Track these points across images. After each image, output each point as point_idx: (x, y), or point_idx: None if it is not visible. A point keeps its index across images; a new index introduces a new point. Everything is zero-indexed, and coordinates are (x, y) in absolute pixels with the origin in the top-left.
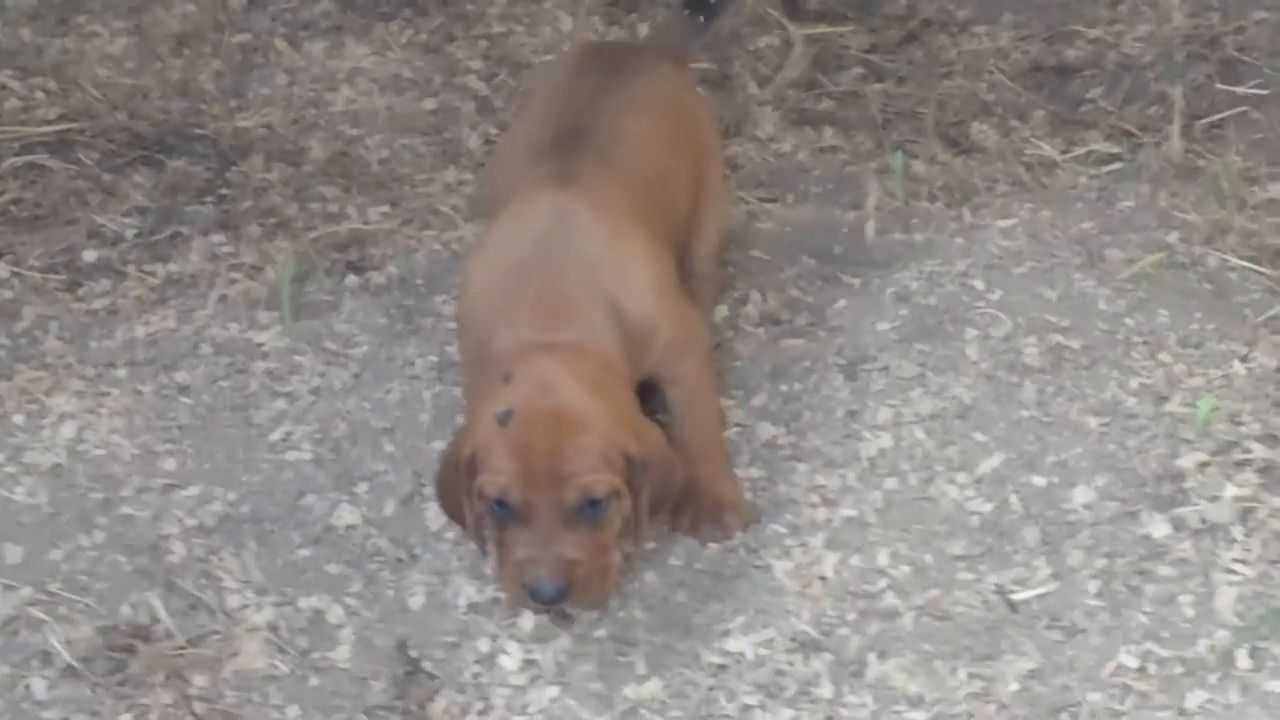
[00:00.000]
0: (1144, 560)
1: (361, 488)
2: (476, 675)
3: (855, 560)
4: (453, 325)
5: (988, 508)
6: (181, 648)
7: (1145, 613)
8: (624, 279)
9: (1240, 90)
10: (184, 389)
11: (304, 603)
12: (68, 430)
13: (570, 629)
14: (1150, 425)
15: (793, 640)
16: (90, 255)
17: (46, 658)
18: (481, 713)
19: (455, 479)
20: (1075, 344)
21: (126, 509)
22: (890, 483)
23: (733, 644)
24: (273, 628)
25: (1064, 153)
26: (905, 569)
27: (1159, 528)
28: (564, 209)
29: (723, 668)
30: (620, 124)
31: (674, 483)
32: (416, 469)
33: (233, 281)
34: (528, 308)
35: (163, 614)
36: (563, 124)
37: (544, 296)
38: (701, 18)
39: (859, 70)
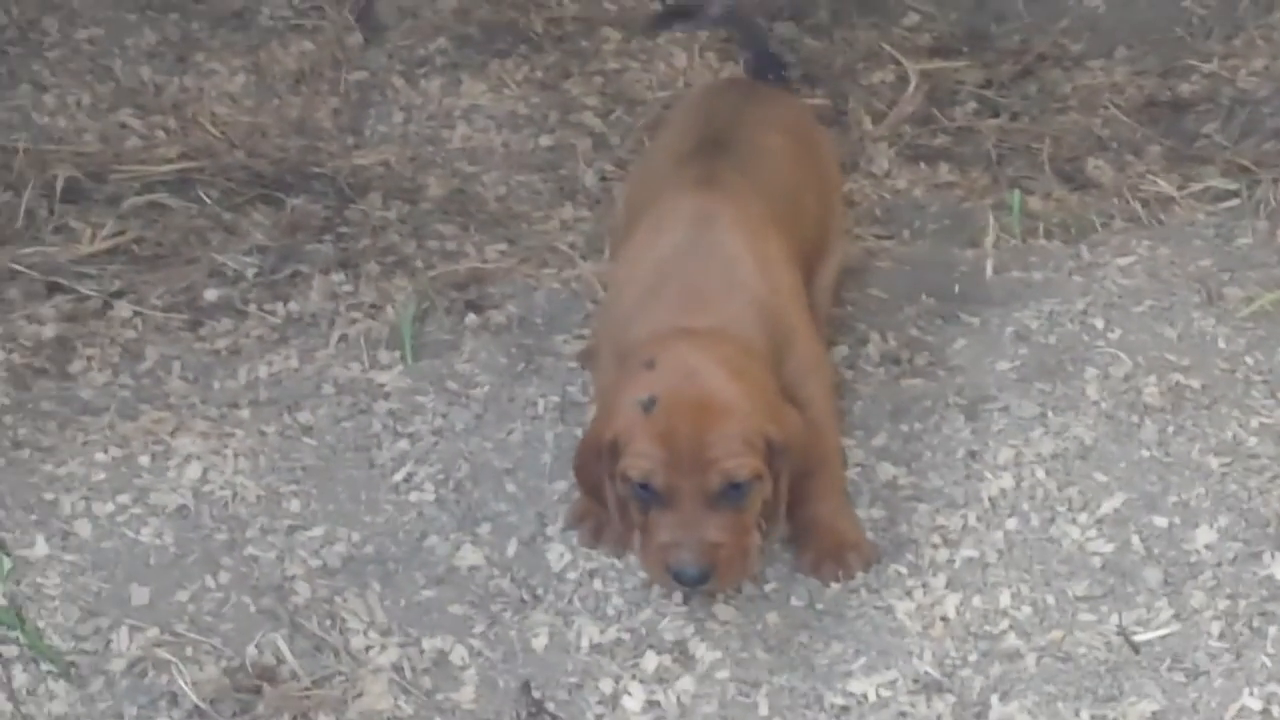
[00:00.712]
0: (1267, 601)
1: (484, 528)
2: (600, 716)
3: (977, 601)
4: (573, 365)
5: (1109, 548)
6: (307, 689)
7: (1269, 655)
8: (765, 278)
9: None
10: (307, 429)
11: (428, 643)
12: (193, 471)
13: (693, 669)
14: (1272, 465)
15: (915, 681)
16: (212, 294)
17: (174, 699)
18: None
19: (596, 462)
20: (1195, 383)
21: (252, 550)
22: (1011, 523)
23: (855, 685)
24: (397, 669)
25: (1180, 189)
26: (1027, 610)
27: None
28: (707, 210)
29: (845, 709)
30: (758, 138)
31: (812, 463)
32: (539, 509)
33: (353, 321)
34: (671, 297)
35: (288, 655)
36: (703, 135)
37: (687, 287)
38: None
39: (973, 105)
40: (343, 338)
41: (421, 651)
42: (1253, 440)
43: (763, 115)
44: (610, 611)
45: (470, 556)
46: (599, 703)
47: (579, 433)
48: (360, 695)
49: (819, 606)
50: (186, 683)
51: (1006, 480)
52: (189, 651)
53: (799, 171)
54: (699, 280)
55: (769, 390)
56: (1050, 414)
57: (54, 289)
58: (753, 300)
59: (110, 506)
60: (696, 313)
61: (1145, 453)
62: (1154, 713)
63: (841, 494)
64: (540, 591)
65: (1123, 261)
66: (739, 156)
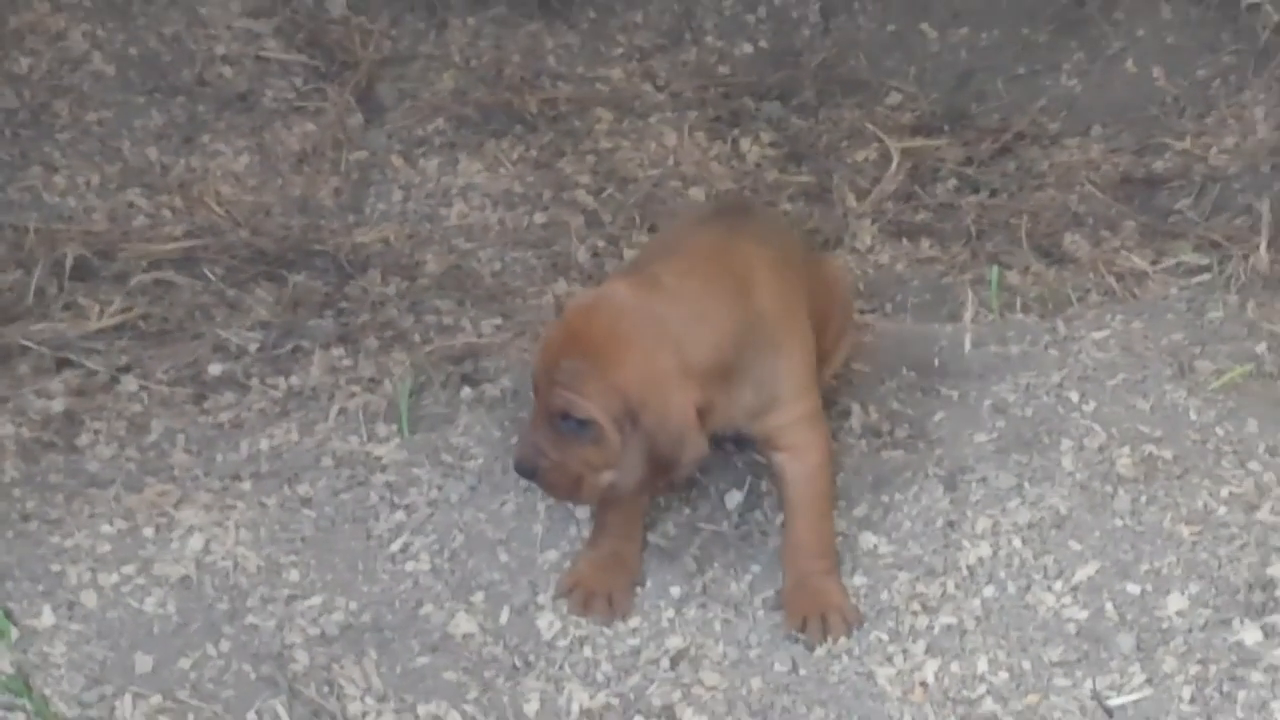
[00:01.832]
0: (1237, 667)
1: (478, 597)
2: None
3: (955, 666)
4: None
5: (1084, 615)
6: None
7: (1238, 719)
8: (769, 292)
9: None
10: (306, 501)
11: (423, 709)
12: (195, 543)
13: None
14: (1241, 534)
15: None
16: (215, 369)
17: None
18: None
19: None
20: (1167, 454)
21: (252, 619)
22: (989, 590)
23: None
24: None
25: (1154, 264)
26: (1004, 675)
27: (1251, 635)
28: (734, 237)
29: None
30: (773, 221)
31: (679, 456)
32: (531, 578)
33: (352, 395)
34: (676, 252)
35: None
36: (720, 204)
37: (694, 249)
38: None
39: (953, 182)
40: (342, 411)
41: (417, 718)
42: (1223, 509)
43: (772, 217)
44: (600, 678)
45: (464, 624)
46: None
47: (570, 505)
48: None
49: (802, 672)
50: None
51: (984, 549)
52: (191, 718)
53: (811, 267)
54: (708, 253)
55: (671, 366)
56: (1026, 484)
57: (63, 364)
58: (748, 306)
59: (115, 577)
60: (684, 265)
61: (1119, 522)
62: None
63: (831, 557)
64: (532, 658)
65: (1097, 335)
66: (762, 218)
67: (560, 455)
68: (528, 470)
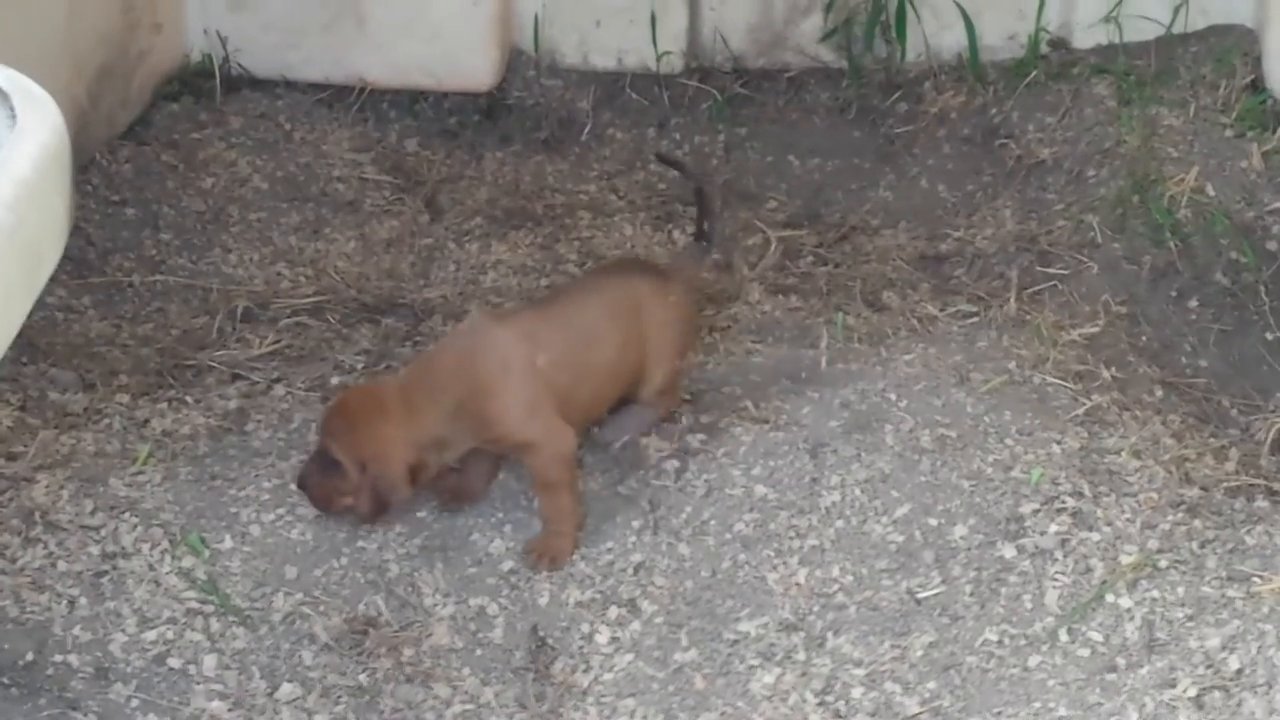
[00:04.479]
0: (1000, 573)
1: (507, 528)
2: (581, 647)
3: (818, 573)
4: None
5: (901, 538)
6: (397, 632)
7: (1001, 606)
8: (490, 385)
9: (1052, 271)
10: None
11: (473, 601)
12: None
13: (640, 617)
14: (1001, 485)
15: (780, 624)
16: (335, 380)
17: (312, 637)
18: (584, 670)
19: None
20: (953, 434)
21: (361, 543)
22: (839, 523)
23: (742, 626)
24: (453, 618)
25: (941, 310)
26: (850, 578)
27: (1009, 551)
28: (487, 330)
29: (736, 641)
30: (580, 299)
31: (390, 497)
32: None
33: None
34: (428, 358)
35: (384, 610)
36: (550, 292)
37: (432, 361)
38: (705, 243)
39: (811, 258)
40: None
41: (469, 606)
42: (990, 469)
43: (599, 285)
44: (587, 580)
45: (498, 547)
46: (580, 638)
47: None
48: (430, 635)
49: (719, 576)
50: (320, 628)
51: (836, 496)
52: (322, 608)
53: (615, 325)
54: (440, 363)
55: (395, 438)
56: (863, 453)
57: (235, 377)
58: (462, 398)
59: (272, 516)
60: (419, 379)
61: (922, 478)
62: (930, 643)
63: (563, 524)
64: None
65: (906, 357)
66: (554, 306)
67: (320, 480)
68: (301, 486)
